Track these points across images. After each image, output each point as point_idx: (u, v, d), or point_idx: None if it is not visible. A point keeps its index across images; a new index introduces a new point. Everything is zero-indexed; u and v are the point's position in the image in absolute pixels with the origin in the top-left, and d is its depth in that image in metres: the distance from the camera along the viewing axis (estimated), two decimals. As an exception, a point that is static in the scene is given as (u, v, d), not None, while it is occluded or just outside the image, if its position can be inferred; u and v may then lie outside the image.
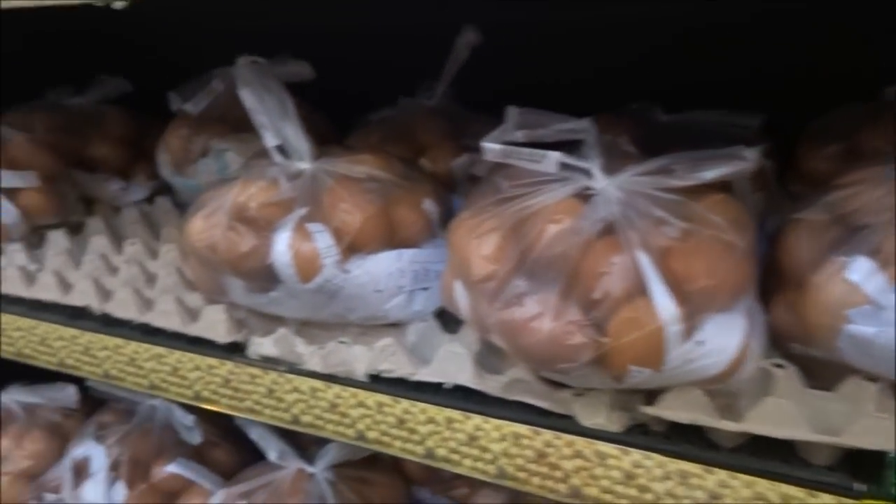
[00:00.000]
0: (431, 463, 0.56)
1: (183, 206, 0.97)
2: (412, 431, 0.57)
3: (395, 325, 0.63)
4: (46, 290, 0.76)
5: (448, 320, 0.63)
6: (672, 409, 0.48)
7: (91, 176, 1.00)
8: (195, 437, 0.88)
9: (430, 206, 0.64)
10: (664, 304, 0.44)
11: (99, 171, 1.01)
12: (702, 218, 0.47)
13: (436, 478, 0.91)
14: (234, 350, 0.65)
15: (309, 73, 0.78)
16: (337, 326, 0.64)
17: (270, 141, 0.65)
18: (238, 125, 0.90)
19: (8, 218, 0.83)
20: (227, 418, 0.97)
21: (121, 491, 0.86)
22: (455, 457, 0.56)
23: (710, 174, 0.47)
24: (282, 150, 0.65)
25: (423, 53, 0.78)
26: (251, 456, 0.95)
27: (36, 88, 1.09)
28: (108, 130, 1.04)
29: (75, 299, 0.74)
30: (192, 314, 0.68)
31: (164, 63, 0.99)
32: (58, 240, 0.86)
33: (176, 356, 0.67)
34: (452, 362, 0.56)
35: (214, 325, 0.65)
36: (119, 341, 0.70)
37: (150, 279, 0.78)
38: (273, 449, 0.82)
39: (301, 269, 0.57)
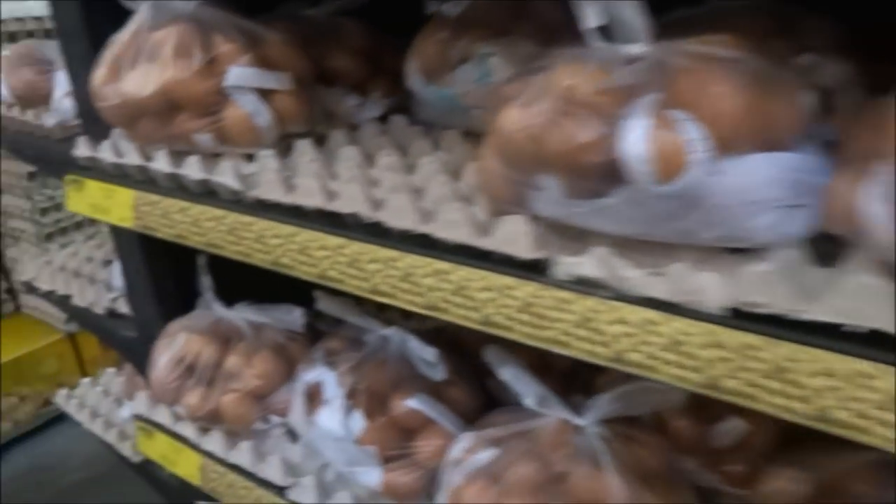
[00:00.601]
0: (824, 427, 0.43)
1: (424, 124, 0.89)
2: (796, 385, 0.44)
3: (746, 251, 0.50)
4: (309, 196, 0.69)
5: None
6: None
7: (328, 90, 0.95)
8: (437, 373, 0.80)
9: (805, 101, 0.50)
10: None
11: (336, 85, 0.96)
12: None
13: (704, 447, 0.77)
14: (533, 269, 0.55)
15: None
16: (664, 249, 0.52)
17: (593, 20, 0.53)
18: (500, 29, 0.80)
19: (262, 120, 0.78)
20: (464, 355, 0.90)
21: (359, 421, 0.80)
22: (861, 422, 0.42)
23: None
24: (604, 32, 0.54)
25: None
26: (487, 399, 0.88)
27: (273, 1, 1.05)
28: (345, 43, 0.98)
29: (342, 206, 0.67)
30: (484, 226, 0.58)
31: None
32: (306, 149, 0.80)
33: (462, 273, 0.58)
34: (863, 298, 0.42)
35: (514, 238, 0.55)
36: (393, 254, 0.62)
37: (416, 191, 0.70)
38: (531, 393, 0.72)
39: (662, 166, 0.45)
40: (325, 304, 0.91)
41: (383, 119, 0.95)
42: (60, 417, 2.50)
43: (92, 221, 2.52)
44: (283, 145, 0.82)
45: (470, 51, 0.79)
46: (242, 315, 0.99)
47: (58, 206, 2.41)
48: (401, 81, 0.98)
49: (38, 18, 2.28)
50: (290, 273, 0.71)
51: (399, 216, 0.62)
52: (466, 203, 0.64)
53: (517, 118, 0.51)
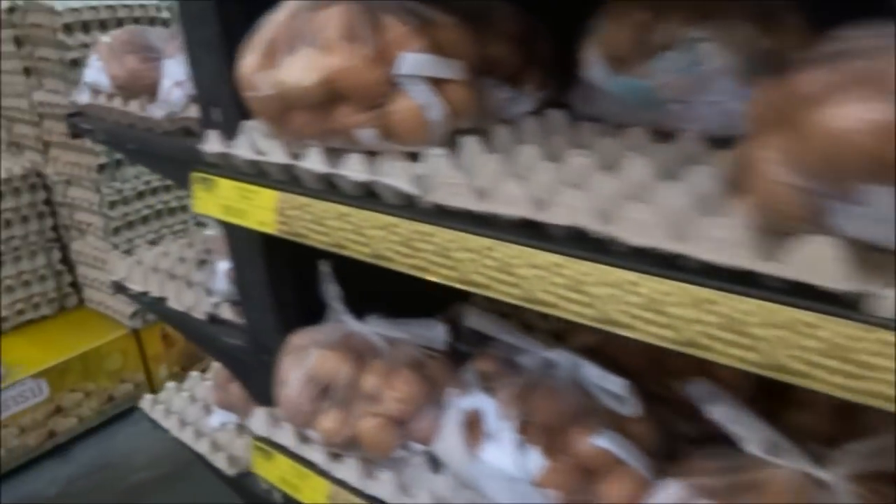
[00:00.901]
0: None
1: (588, 120, 0.79)
2: None
3: None
4: (510, 204, 0.59)
5: None
6: None
7: (481, 80, 0.84)
8: (627, 408, 0.70)
9: None
10: None
11: (489, 75, 0.85)
12: None
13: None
14: (834, 302, 0.45)
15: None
16: None
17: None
18: (710, 11, 0.69)
19: (434, 114, 0.68)
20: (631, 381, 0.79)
21: (536, 459, 0.70)
22: None
23: None
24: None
25: None
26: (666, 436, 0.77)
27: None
28: (498, 28, 0.87)
29: (555, 217, 0.57)
30: (766, 248, 0.48)
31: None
32: (476, 147, 0.70)
33: (734, 304, 0.47)
34: None
35: (817, 263, 0.44)
36: (631, 276, 0.52)
37: (637, 199, 0.59)
38: (756, 438, 0.61)
39: None
40: (475, 321, 0.81)
41: (535, 114, 0.85)
42: (123, 414, 2.46)
43: (158, 215, 2.47)
44: (450, 143, 0.73)
45: (674, 36, 0.68)
46: (376, 329, 0.89)
47: (125, 200, 2.36)
48: (552, 72, 0.88)
49: (110, 7, 2.23)
50: (483, 293, 0.61)
51: (640, 231, 0.52)
52: (717, 217, 0.54)
53: (859, 115, 0.40)
